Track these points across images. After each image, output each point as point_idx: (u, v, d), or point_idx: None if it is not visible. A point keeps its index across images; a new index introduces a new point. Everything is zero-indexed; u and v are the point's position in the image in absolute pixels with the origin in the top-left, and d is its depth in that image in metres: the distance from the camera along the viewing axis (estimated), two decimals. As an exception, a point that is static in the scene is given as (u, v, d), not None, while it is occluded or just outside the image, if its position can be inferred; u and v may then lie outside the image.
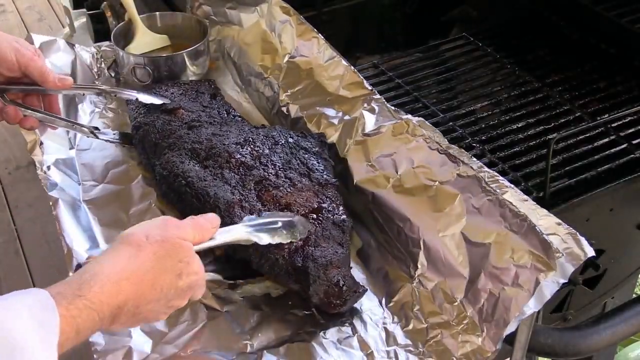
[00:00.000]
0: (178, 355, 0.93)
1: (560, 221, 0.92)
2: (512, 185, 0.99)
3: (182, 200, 1.09)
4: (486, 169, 1.01)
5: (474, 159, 1.04)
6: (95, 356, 0.91)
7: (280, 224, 0.96)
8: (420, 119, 1.12)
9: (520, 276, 0.88)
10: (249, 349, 0.95)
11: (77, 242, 1.08)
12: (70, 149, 1.28)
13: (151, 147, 1.18)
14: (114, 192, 1.19)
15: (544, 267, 0.87)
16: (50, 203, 1.14)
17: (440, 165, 1.02)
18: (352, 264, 1.04)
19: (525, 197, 0.97)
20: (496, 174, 1.01)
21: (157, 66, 1.36)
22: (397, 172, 1.05)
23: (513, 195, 0.96)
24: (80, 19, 2.61)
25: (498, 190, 0.96)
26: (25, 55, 1.07)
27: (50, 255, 2.35)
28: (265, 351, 0.94)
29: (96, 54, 1.48)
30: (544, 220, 0.93)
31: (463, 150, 1.06)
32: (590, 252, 0.88)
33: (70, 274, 1.01)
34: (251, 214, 1.00)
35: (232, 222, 1.00)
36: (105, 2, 1.70)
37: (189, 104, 1.26)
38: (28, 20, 3.84)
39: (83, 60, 1.46)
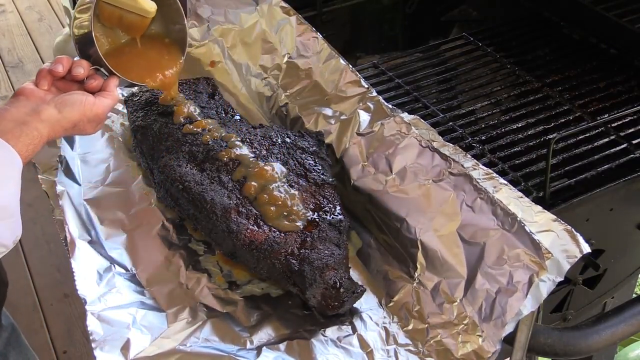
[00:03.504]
0: (176, 349, 0.93)
1: (555, 217, 0.92)
2: (507, 182, 0.99)
3: (180, 205, 1.09)
4: (481, 166, 1.01)
5: (469, 157, 1.04)
6: (93, 345, 0.92)
7: None
8: (415, 116, 1.12)
9: (514, 276, 0.88)
10: (248, 345, 0.95)
11: (79, 234, 1.09)
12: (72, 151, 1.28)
13: (149, 151, 1.18)
14: (114, 193, 1.19)
15: (537, 267, 0.87)
16: (51, 202, 1.15)
17: (432, 164, 1.02)
18: (351, 265, 1.04)
19: (520, 194, 0.97)
20: (491, 171, 1.01)
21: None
22: (391, 172, 1.05)
23: (507, 193, 0.96)
24: (72, 20, 2.61)
25: (492, 188, 0.96)
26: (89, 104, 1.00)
27: (50, 255, 2.35)
28: (264, 347, 0.94)
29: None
30: (539, 216, 0.93)
31: (458, 147, 1.06)
32: (586, 249, 0.88)
33: (72, 262, 1.03)
34: (247, 219, 1.01)
35: (229, 228, 1.00)
36: (105, 2, 1.70)
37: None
38: (28, 20, 3.85)
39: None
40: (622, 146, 1.20)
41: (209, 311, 1.00)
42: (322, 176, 1.08)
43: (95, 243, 1.09)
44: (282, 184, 1.05)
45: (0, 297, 1.30)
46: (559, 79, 1.38)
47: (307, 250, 0.97)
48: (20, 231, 0.89)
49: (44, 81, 0.99)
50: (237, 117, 1.24)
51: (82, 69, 1.01)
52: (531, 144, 1.21)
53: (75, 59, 1.04)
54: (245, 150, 1.11)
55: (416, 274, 0.98)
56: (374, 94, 1.17)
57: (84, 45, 1.04)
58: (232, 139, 1.13)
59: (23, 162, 0.88)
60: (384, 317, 0.98)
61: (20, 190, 0.87)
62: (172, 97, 1.22)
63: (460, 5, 1.77)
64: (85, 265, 1.04)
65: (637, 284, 1.74)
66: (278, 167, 1.08)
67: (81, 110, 0.96)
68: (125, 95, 1.34)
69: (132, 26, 1.11)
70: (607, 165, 1.16)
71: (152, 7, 1.08)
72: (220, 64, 1.45)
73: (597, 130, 1.23)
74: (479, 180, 0.97)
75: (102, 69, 1.04)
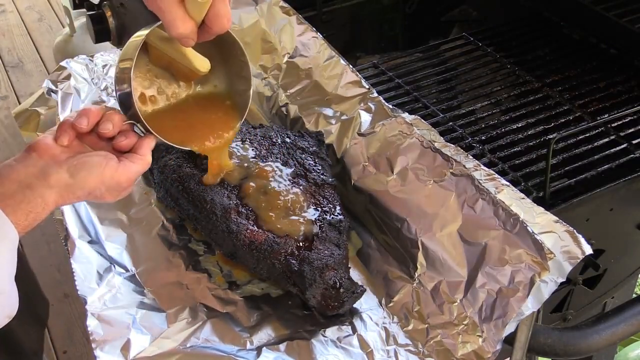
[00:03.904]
0: (177, 349, 0.94)
1: (557, 219, 0.92)
2: (508, 183, 0.99)
3: (179, 205, 1.09)
4: (482, 167, 1.02)
5: (470, 157, 1.04)
6: (93, 345, 0.92)
7: None
8: (416, 117, 1.12)
9: (515, 276, 0.88)
10: (248, 346, 0.95)
11: (79, 234, 1.09)
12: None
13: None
14: (113, 192, 1.19)
15: (538, 267, 0.87)
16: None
17: (433, 164, 1.02)
18: (351, 265, 1.04)
19: (522, 195, 0.97)
20: (492, 172, 1.01)
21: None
22: (392, 172, 1.05)
23: (509, 194, 0.96)
24: (80, 19, 2.62)
25: (493, 189, 0.96)
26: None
27: (50, 255, 2.35)
28: (264, 348, 0.94)
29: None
30: (541, 217, 0.93)
31: (459, 148, 1.06)
32: (588, 250, 0.88)
33: (72, 262, 1.02)
34: (247, 220, 1.01)
35: (229, 228, 1.00)
36: (105, 2, 1.70)
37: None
38: (28, 20, 3.85)
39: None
40: (622, 146, 1.20)
41: (209, 311, 1.00)
42: (322, 176, 1.08)
43: (95, 243, 1.09)
44: (282, 184, 1.05)
45: (44, 316, 1.27)
46: (559, 79, 1.38)
47: (306, 251, 0.97)
48: (14, 308, 0.77)
49: (65, 136, 0.84)
50: (237, 117, 1.25)
51: (111, 124, 0.86)
52: (531, 144, 1.21)
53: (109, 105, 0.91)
54: (245, 151, 1.11)
55: (416, 274, 0.98)
56: (375, 94, 1.17)
57: (123, 96, 0.90)
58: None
59: (20, 232, 0.76)
60: (384, 317, 0.98)
61: (15, 265, 0.76)
62: (221, 169, 1.05)
63: (460, 5, 1.77)
64: (85, 265, 1.04)
65: (637, 284, 1.74)
66: (278, 167, 1.08)
67: (99, 177, 0.82)
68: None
69: (181, 74, 0.97)
70: (607, 165, 1.16)
71: (204, 67, 0.94)
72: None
73: (597, 130, 1.23)
74: (480, 181, 0.97)
75: (138, 125, 0.89)
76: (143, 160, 0.87)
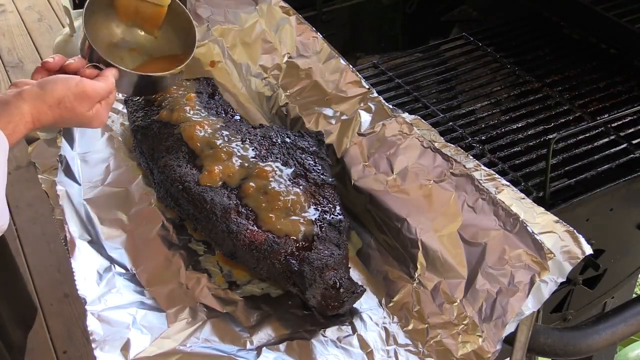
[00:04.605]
0: (176, 349, 0.94)
1: (557, 219, 0.92)
2: (509, 183, 0.99)
3: (179, 205, 1.09)
4: (483, 167, 1.02)
5: (471, 157, 1.04)
6: (93, 345, 0.92)
7: None
8: (416, 117, 1.12)
9: (515, 276, 0.88)
10: (248, 346, 0.95)
11: (79, 234, 1.10)
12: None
13: (149, 151, 1.18)
14: (114, 193, 1.20)
15: (538, 267, 0.87)
16: (51, 203, 1.15)
17: (433, 164, 1.02)
18: (351, 265, 1.04)
19: (522, 195, 0.97)
20: (493, 172, 1.01)
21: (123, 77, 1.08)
22: (392, 172, 1.05)
23: (509, 194, 0.97)
24: (80, 19, 2.61)
25: (493, 189, 0.96)
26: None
27: (50, 255, 2.35)
28: (264, 348, 0.94)
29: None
30: (541, 217, 0.93)
31: (460, 148, 1.06)
32: (588, 250, 0.88)
33: (72, 262, 1.03)
34: (247, 220, 1.01)
35: (229, 228, 1.00)
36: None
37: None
38: (28, 20, 3.84)
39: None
40: (622, 146, 1.20)
41: (209, 311, 1.00)
42: (322, 176, 1.08)
43: (95, 243, 1.09)
44: (282, 184, 1.05)
45: (29, 321, 1.29)
46: (559, 79, 1.38)
47: (306, 251, 0.97)
48: (5, 220, 0.84)
49: (38, 75, 0.99)
50: (237, 117, 1.24)
51: (74, 60, 1.02)
52: (531, 144, 1.22)
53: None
54: (245, 151, 1.11)
55: (416, 274, 0.98)
56: (375, 94, 1.17)
57: (83, 44, 1.06)
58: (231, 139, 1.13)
59: (9, 144, 0.87)
60: (384, 317, 0.98)
61: (5, 176, 0.84)
62: (220, 170, 1.10)
63: (460, 5, 1.77)
64: (85, 265, 1.04)
65: (637, 284, 1.74)
66: (278, 167, 1.08)
67: (64, 84, 0.94)
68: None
69: (148, 18, 1.13)
70: (607, 165, 1.16)
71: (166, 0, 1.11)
72: (220, 64, 1.45)
73: (597, 130, 1.23)
74: (480, 181, 0.97)
75: (100, 65, 1.04)
76: (105, 79, 1.00)
